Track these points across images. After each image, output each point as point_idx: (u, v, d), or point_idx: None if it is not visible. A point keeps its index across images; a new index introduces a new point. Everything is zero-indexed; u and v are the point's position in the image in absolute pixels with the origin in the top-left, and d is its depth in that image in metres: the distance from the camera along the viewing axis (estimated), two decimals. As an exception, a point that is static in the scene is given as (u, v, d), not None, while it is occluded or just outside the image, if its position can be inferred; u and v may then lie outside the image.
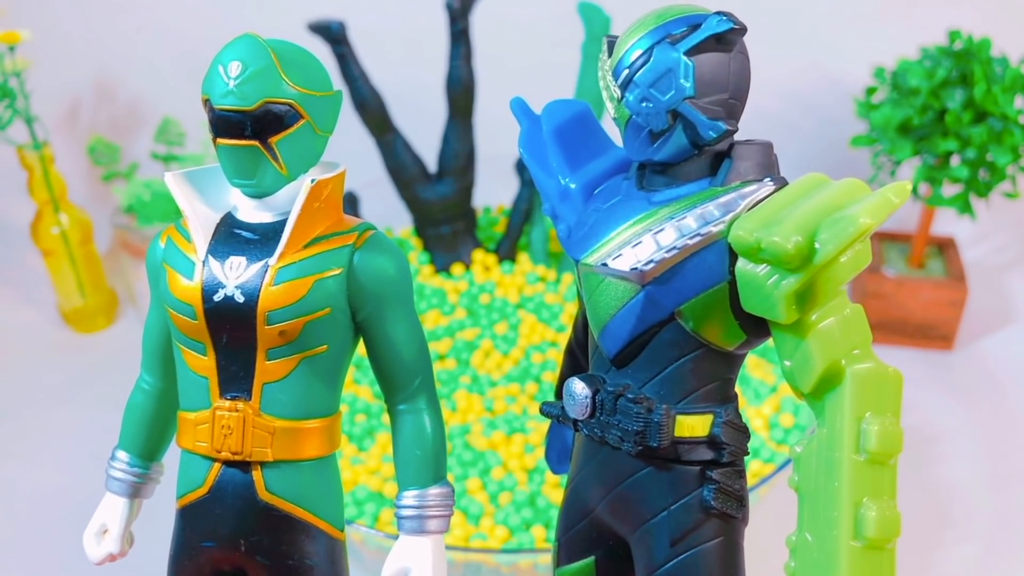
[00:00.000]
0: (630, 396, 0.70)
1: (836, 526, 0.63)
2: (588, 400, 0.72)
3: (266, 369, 0.72)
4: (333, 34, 1.48)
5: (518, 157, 1.64)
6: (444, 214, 1.59)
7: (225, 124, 0.70)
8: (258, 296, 0.70)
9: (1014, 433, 1.49)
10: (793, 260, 0.62)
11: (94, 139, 1.78)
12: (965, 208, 1.55)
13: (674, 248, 0.67)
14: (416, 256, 1.63)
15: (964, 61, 1.50)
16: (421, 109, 1.68)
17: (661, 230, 0.68)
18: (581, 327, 0.85)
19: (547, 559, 1.08)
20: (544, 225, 1.63)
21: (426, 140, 1.63)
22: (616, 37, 0.71)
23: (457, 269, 1.60)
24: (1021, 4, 1.86)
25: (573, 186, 0.76)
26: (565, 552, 0.80)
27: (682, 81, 0.66)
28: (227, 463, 0.74)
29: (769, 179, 0.69)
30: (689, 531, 0.71)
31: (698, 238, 0.67)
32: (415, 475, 0.76)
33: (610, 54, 0.70)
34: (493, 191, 1.74)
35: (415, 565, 0.75)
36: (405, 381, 0.76)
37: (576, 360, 0.86)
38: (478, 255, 1.61)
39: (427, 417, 0.76)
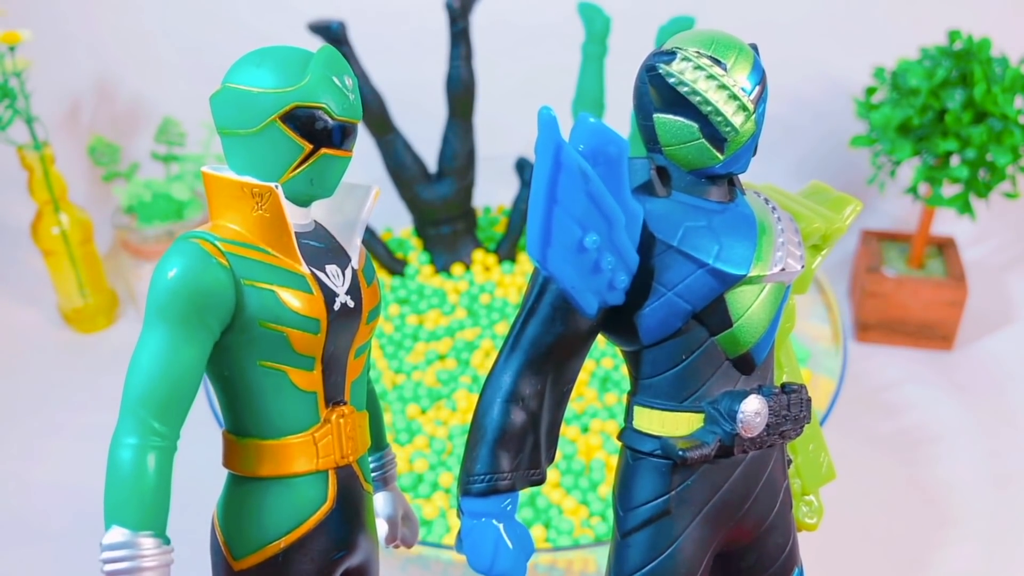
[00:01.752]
0: (789, 389, 0.73)
1: (819, 434, 0.86)
2: (767, 411, 0.71)
3: (353, 367, 0.75)
4: (333, 34, 1.48)
5: (518, 157, 1.64)
6: (444, 214, 1.60)
7: (340, 135, 0.71)
8: (362, 297, 0.74)
9: (1014, 433, 1.49)
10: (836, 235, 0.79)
11: (94, 139, 1.79)
12: (965, 208, 1.55)
13: (802, 243, 0.75)
14: (416, 256, 1.63)
15: (964, 61, 1.50)
16: (421, 109, 1.68)
17: (785, 231, 0.73)
18: (568, 371, 0.72)
19: (547, 559, 1.08)
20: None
21: (426, 140, 1.64)
22: (714, 56, 0.68)
23: (457, 269, 1.60)
24: (1021, 4, 1.86)
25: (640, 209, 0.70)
26: None
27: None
28: (340, 467, 0.74)
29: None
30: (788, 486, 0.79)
31: (799, 233, 0.75)
32: (385, 435, 0.87)
33: (724, 70, 0.68)
34: (493, 191, 1.74)
35: (408, 506, 0.88)
36: (369, 358, 0.83)
37: (539, 418, 0.71)
38: (478, 255, 1.61)
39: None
